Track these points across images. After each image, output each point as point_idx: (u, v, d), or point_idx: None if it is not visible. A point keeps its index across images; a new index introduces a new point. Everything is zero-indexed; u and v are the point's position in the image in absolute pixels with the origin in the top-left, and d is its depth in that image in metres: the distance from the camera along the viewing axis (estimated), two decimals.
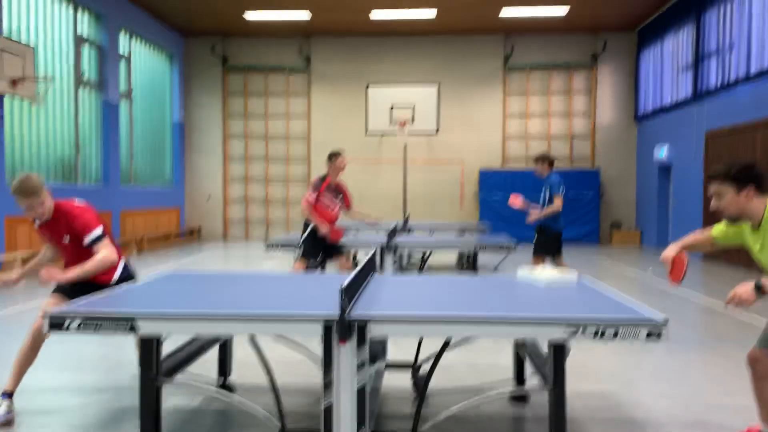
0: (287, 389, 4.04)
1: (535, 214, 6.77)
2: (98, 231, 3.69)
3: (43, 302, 3.69)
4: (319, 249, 6.43)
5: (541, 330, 2.59)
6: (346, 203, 6.77)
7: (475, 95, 16.61)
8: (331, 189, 6.56)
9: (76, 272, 3.55)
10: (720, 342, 5.55)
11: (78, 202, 3.84)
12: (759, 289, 2.62)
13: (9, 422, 3.50)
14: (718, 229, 3.18)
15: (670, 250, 3.13)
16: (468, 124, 16.61)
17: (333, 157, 6.57)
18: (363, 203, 16.72)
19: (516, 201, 6.99)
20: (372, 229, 6.88)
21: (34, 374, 4.41)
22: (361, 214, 7.02)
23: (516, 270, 3.88)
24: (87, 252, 3.67)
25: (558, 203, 6.52)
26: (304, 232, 6.50)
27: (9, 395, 3.61)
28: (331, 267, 6.83)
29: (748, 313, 6.69)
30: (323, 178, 6.55)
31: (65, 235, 3.72)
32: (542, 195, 6.89)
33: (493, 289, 3.45)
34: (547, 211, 6.64)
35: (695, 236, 3.30)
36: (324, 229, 6.26)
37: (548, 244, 6.68)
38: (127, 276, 3.99)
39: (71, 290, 3.72)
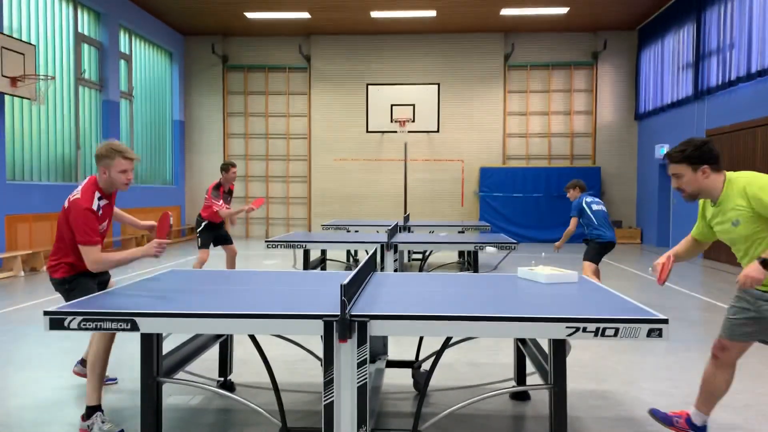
0: (288, 387, 4.05)
1: (558, 244, 7.26)
2: None
3: None
4: (211, 238, 7.70)
5: (541, 328, 2.59)
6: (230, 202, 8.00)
7: (476, 94, 16.60)
8: (225, 195, 7.72)
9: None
10: None
11: None
12: (765, 263, 2.70)
13: None
14: (694, 229, 3.30)
15: (662, 258, 3.23)
16: (468, 122, 16.61)
17: (226, 168, 7.68)
18: (364, 202, 16.80)
19: (556, 244, 7.39)
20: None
21: (34, 374, 4.42)
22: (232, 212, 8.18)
23: (516, 269, 3.88)
24: None
25: (570, 226, 7.06)
26: (198, 227, 7.69)
27: (101, 408, 3.40)
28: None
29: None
30: (218, 187, 7.62)
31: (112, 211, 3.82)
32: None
33: (493, 288, 3.45)
34: (564, 237, 7.14)
35: (681, 244, 3.38)
36: (246, 207, 7.60)
37: (591, 254, 7.02)
38: None
39: (92, 288, 3.63)
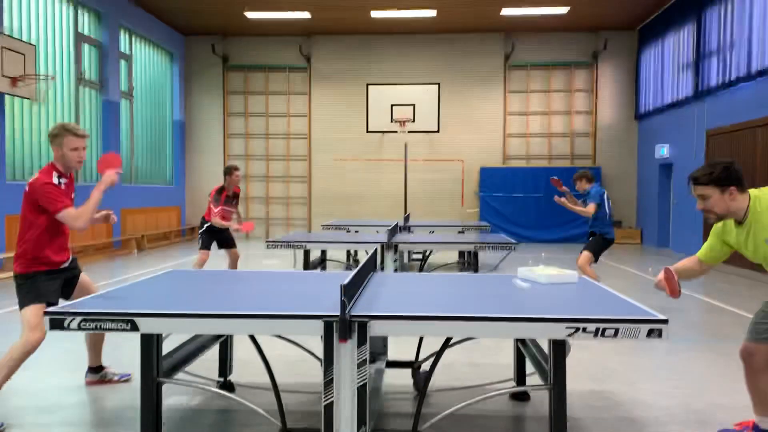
0: (287, 388, 4.04)
1: (567, 202, 7.05)
2: None
3: (28, 314, 3.53)
4: (213, 240, 7.67)
5: (541, 328, 2.59)
6: (236, 205, 7.93)
7: (476, 93, 16.60)
8: (229, 198, 7.64)
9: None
10: (720, 340, 5.55)
11: None
12: None
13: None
14: (705, 251, 3.26)
15: (660, 274, 3.19)
16: (469, 122, 16.61)
17: (229, 172, 7.59)
18: (364, 202, 16.80)
19: (558, 183, 7.20)
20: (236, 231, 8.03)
21: (34, 373, 4.41)
22: (238, 215, 8.09)
23: (516, 269, 3.88)
24: None
25: (590, 209, 6.86)
26: (201, 227, 7.71)
27: None
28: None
29: (747, 312, 6.69)
30: (221, 191, 7.55)
31: (73, 192, 3.85)
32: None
33: (493, 288, 3.45)
34: (577, 208, 6.97)
35: (684, 263, 3.35)
36: (234, 225, 7.56)
37: (594, 247, 6.94)
38: (73, 257, 4.01)
39: (48, 286, 3.65)
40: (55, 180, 3.64)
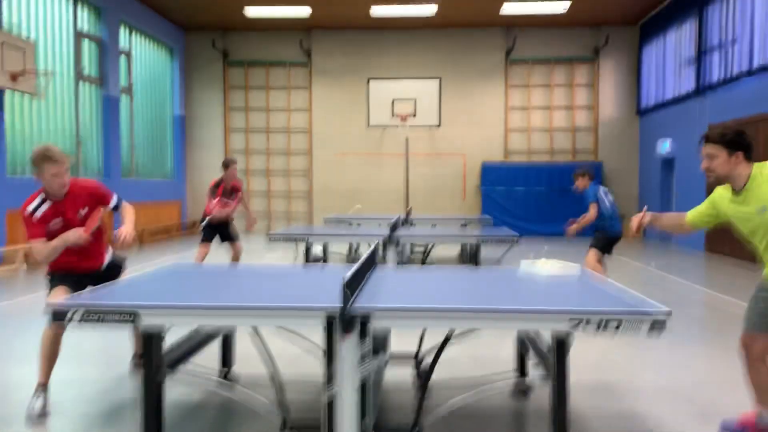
0: (289, 382, 4.04)
1: (573, 228, 7.02)
2: (115, 194, 4.18)
3: (49, 297, 3.68)
4: (214, 234, 7.64)
5: (543, 322, 2.59)
6: (238, 199, 7.87)
7: (477, 89, 16.56)
8: (226, 192, 7.63)
9: (131, 223, 4.04)
10: (723, 335, 5.54)
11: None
12: None
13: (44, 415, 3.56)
14: (694, 213, 3.42)
15: (639, 215, 3.48)
16: (470, 117, 16.57)
17: (226, 165, 7.63)
18: (364, 197, 16.78)
19: (571, 228, 7.12)
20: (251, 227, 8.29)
21: (36, 367, 4.41)
22: (248, 213, 8.26)
23: (518, 263, 3.87)
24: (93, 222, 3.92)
25: (591, 212, 6.81)
26: (202, 221, 7.71)
27: (44, 387, 3.65)
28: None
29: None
30: (218, 185, 7.58)
31: (82, 208, 3.86)
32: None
33: (495, 282, 3.45)
34: (582, 221, 6.91)
35: (673, 215, 3.59)
36: (219, 214, 7.55)
37: (599, 243, 6.94)
38: (114, 261, 4.17)
39: (72, 281, 3.79)
40: (33, 206, 3.72)
